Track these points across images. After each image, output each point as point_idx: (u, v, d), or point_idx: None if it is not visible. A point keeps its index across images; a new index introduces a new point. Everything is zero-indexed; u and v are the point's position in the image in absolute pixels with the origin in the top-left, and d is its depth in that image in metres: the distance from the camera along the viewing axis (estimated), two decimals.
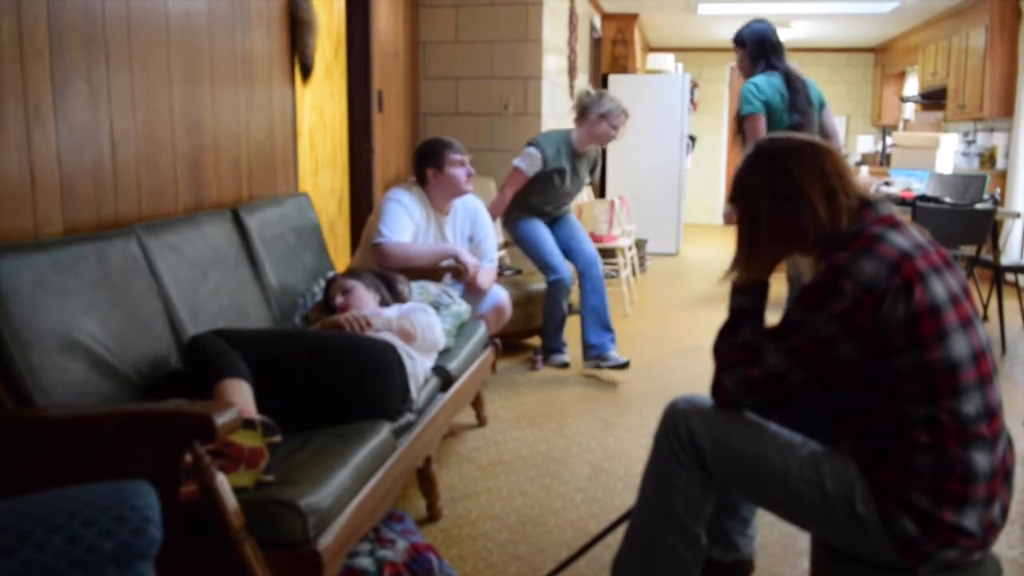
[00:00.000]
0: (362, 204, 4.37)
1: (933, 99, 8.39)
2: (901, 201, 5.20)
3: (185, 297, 2.30)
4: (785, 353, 1.57)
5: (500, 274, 4.16)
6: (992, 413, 1.52)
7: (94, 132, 2.22)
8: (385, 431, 2.07)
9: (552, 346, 4.32)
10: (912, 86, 9.77)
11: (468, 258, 3.36)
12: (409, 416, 2.28)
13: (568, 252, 4.28)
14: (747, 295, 1.74)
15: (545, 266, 4.17)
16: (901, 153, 6.62)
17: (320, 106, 3.92)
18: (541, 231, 4.21)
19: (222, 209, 2.75)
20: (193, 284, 2.35)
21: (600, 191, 7.94)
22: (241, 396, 1.84)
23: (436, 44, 5.31)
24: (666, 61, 8.65)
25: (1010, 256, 6.13)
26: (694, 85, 9.36)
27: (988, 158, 7.24)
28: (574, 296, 4.31)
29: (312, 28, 3.47)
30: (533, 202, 4.20)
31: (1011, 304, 5.48)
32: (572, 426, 3.45)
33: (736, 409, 1.68)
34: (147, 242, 2.22)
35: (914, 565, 1.50)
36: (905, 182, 5.81)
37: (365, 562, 2.10)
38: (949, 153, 6.51)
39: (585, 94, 4.19)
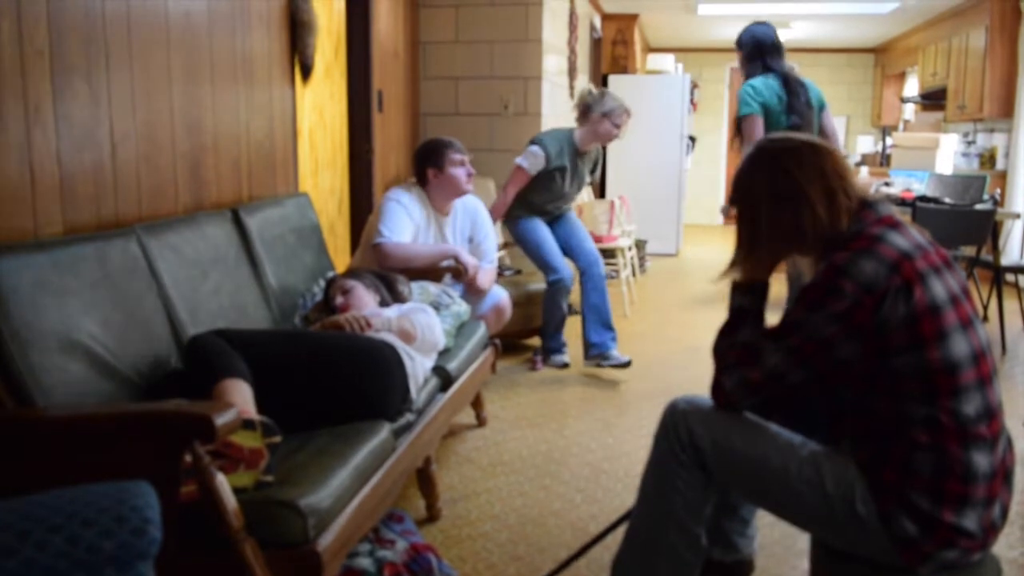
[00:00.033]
0: (362, 204, 4.37)
1: (933, 100, 8.39)
2: (901, 202, 5.20)
3: (185, 297, 2.30)
4: (785, 353, 1.57)
5: (500, 274, 4.16)
6: (992, 414, 1.52)
7: (94, 132, 2.22)
8: (385, 431, 2.07)
9: (552, 346, 4.32)
10: (912, 87, 9.78)
11: (468, 258, 3.36)
12: (409, 416, 2.28)
13: (569, 250, 4.27)
14: (747, 295, 1.74)
15: (545, 266, 4.17)
16: (901, 154, 6.62)
17: (320, 106, 3.92)
18: (542, 230, 4.21)
19: (222, 209, 2.75)
20: (193, 284, 2.35)
21: (600, 191, 7.94)
22: (241, 396, 1.84)
23: (436, 44, 5.32)
24: (666, 61, 8.65)
25: (1010, 257, 6.13)
26: (694, 85, 9.36)
27: (988, 159, 7.24)
28: (575, 295, 4.31)
29: (312, 28, 3.47)
30: (535, 201, 4.20)
31: (1011, 305, 5.48)
32: (572, 426, 3.45)
33: (736, 410, 1.68)
34: (147, 242, 2.22)
35: (914, 565, 1.50)
36: (905, 183, 5.82)
37: (365, 562, 2.10)
38: (949, 154, 6.51)
39: (587, 93, 4.19)
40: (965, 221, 4.79)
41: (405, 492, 2.65)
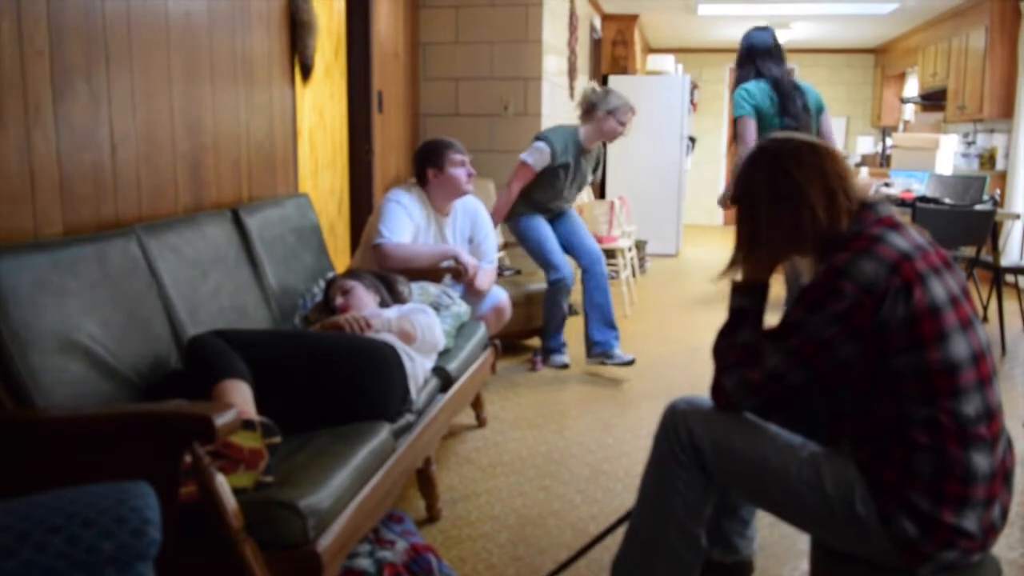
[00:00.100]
0: (362, 205, 4.37)
1: (933, 100, 8.39)
2: (901, 202, 5.20)
3: (185, 298, 2.29)
4: (785, 354, 1.57)
5: (500, 274, 4.16)
6: (992, 414, 1.52)
7: (94, 132, 2.22)
8: (385, 432, 2.06)
9: (552, 346, 4.32)
10: (912, 87, 9.78)
11: (468, 259, 3.36)
12: (409, 417, 2.28)
13: (571, 248, 4.27)
14: (747, 296, 1.74)
15: (547, 264, 4.17)
16: (901, 154, 6.63)
17: (320, 107, 3.92)
18: (543, 228, 4.21)
19: (222, 209, 2.75)
20: (193, 285, 2.35)
21: (600, 192, 7.94)
22: (241, 397, 1.84)
23: (436, 45, 5.32)
24: (666, 62, 8.65)
25: (1010, 257, 6.14)
26: (694, 86, 9.36)
27: (988, 159, 7.24)
28: (575, 295, 4.31)
29: (312, 29, 3.47)
30: (537, 198, 4.19)
31: (1011, 305, 5.48)
32: (572, 427, 3.45)
33: (736, 411, 1.68)
34: (147, 242, 2.22)
35: (914, 566, 1.50)
36: (905, 183, 5.82)
37: (365, 563, 2.10)
38: (949, 154, 6.52)
39: (591, 91, 4.19)
40: (965, 222, 4.79)
41: (405, 493, 2.65)
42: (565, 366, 4.29)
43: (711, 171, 11.14)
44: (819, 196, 1.60)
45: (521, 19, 5.23)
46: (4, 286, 1.68)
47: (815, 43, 10.23)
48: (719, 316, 1.80)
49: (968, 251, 5.17)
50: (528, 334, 4.60)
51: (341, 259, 4.09)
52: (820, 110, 4.02)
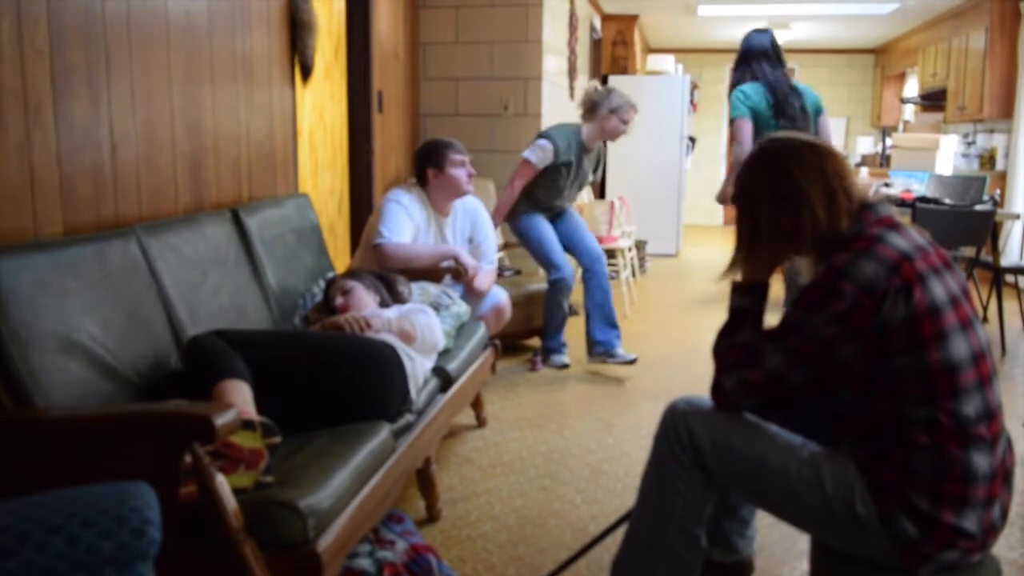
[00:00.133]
0: (362, 205, 4.37)
1: (933, 100, 8.39)
2: (901, 202, 5.20)
3: (185, 298, 2.29)
4: (785, 354, 1.57)
5: (500, 275, 4.16)
6: (992, 414, 1.52)
7: (94, 132, 2.22)
8: (385, 432, 2.06)
9: (551, 346, 4.32)
10: (912, 87, 9.78)
11: (468, 259, 3.36)
12: (409, 417, 2.28)
13: (572, 247, 4.27)
14: (747, 296, 1.74)
15: (548, 263, 4.16)
16: (901, 154, 6.62)
17: (320, 107, 3.92)
18: (544, 227, 4.20)
19: (222, 210, 2.75)
20: (193, 285, 2.35)
21: (600, 192, 7.94)
22: (241, 397, 1.84)
23: (436, 45, 5.32)
24: (666, 62, 8.66)
25: (1010, 257, 6.14)
26: (694, 86, 9.36)
27: (988, 159, 7.24)
28: (576, 294, 4.31)
29: (312, 29, 3.47)
30: (539, 196, 4.18)
31: (1011, 306, 5.48)
32: (572, 427, 3.45)
33: (736, 411, 1.68)
34: (147, 243, 2.22)
35: (914, 566, 1.50)
36: (905, 183, 5.82)
37: (365, 563, 2.10)
38: (949, 154, 6.51)
39: (594, 90, 4.19)
40: (965, 222, 4.79)
41: (405, 493, 2.65)
42: (565, 366, 4.29)
43: (711, 171, 11.14)
44: (819, 196, 1.60)
45: (521, 19, 5.23)
46: (4, 286, 1.68)
47: (815, 43, 10.23)
48: (719, 316, 1.80)
49: (968, 251, 5.17)
50: (528, 334, 4.60)
51: (341, 259, 4.09)
52: (819, 112, 4.06)
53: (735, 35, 4.11)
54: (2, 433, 1.59)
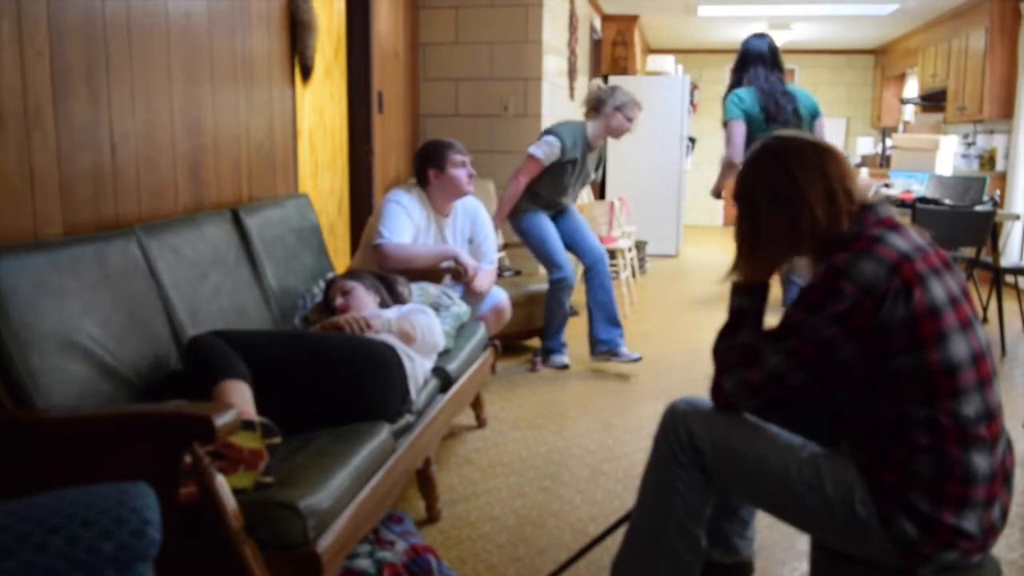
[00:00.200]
0: (362, 205, 4.37)
1: (933, 101, 8.39)
2: (901, 203, 5.20)
3: (185, 298, 2.29)
4: (785, 355, 1.57)
5: (500, 275, 4.16)
6: (992, 415, 1.52)
7: (94, 132, 2.22)
8: (384, 432, 2.06)
9: (552, 347, 4.32)
10: (912, 88, 9.78)
11: (468, 260, 3.36)
12: (408, 417, 2.28)
13: (573, 246, 4.27)
14: (746, 296, 1.74)
15: (549, 262, 4.16)
16: (901, 155, 6.62)
17: (320, 107, 3.92)
18: (547, 226, 4.20)
19: (222, 210, 2.75)
20: (193, 285, 2.35)
21: (600, 192, 7.94)
22: (240, 397, 1.84)
23: (436, 45, 5.32)
24: (666, 63, 8.66)
25: (1010, 258, 6.14)
26: (694, 87, 9.36)
27: (988, 160, 7.24)
28: (577, 294, 4.30)
29: (312, 29, 3.47)
30: (542, 193, 4.18)
31: (1011, 306, 5.49)
32: (571, 427, 3.45)
33: (735, 412, 1.68)
34: (147, 243, 2.22)
35: (914, 567, 1.50)
36: (905, 184, 5.82)
37: (364, 563, 2.10)
38: (949, 155, 6.51)
39: (598, 88, 4.20)
40: (965, 222, 4.79)
41: (405, 493, 2.65)
42: (565, 366, 4.29)
43: (711, 171, 11.08)
44: (819, 196, 1.60)
45: (521, 19, 5.23)
46: (4, 286, 1.68)
47: (815, 44, 10.23)
48: (719, 316, 1.80)
49: (968, 252, 5.17)
50: (528, 334, 4.60)
51: (341, 259, 4.09)
52: (815, 115, 4.12)
53: (735, 36, 4.16)
54: (2, 433, 1.59)
